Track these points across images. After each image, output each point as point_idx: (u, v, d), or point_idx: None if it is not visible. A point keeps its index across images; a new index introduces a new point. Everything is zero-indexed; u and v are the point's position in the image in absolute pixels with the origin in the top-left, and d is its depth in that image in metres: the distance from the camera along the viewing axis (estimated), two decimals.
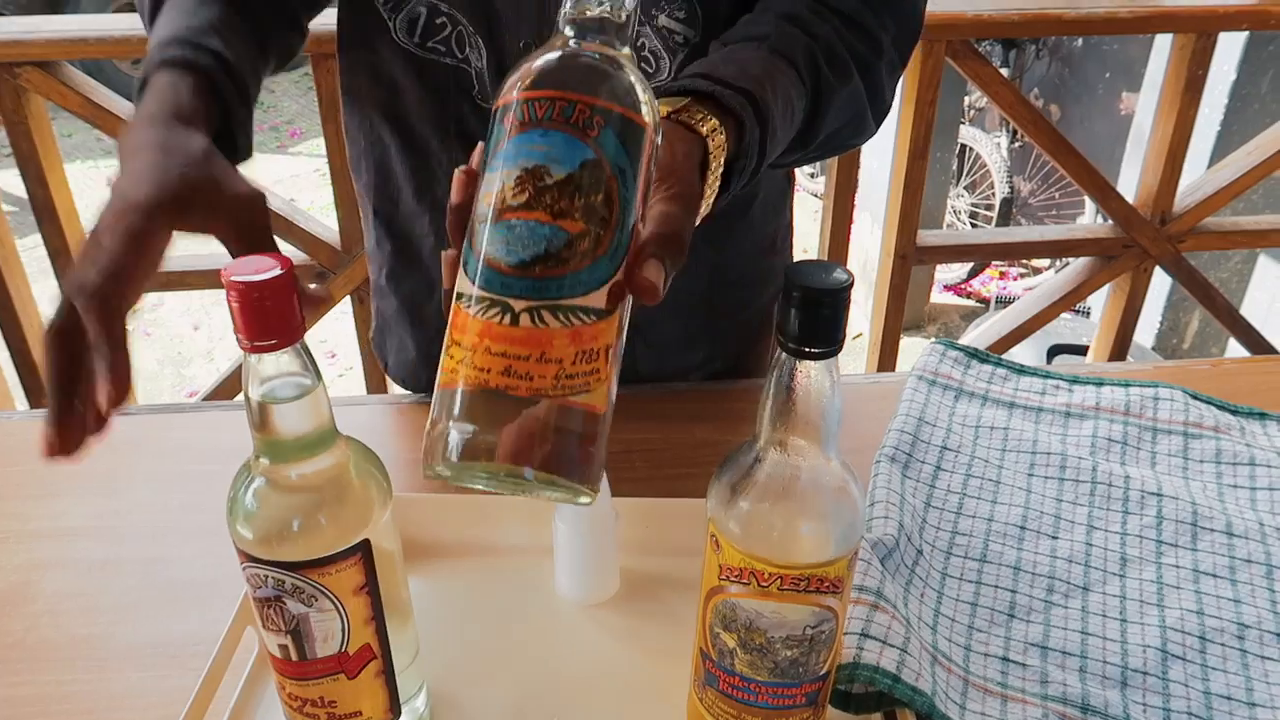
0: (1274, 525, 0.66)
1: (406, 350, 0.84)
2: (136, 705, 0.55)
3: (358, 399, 0.83)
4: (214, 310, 3.38)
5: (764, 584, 0.42)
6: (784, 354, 0.40)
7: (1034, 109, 1.56)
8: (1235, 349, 1.98)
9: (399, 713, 0.49)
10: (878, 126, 0.66)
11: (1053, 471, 0.71)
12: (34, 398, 1.60)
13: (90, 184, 4.43)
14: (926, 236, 1.62)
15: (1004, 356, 0.84)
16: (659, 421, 0.79)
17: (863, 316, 2.77)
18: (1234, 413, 0.78)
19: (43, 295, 1.62)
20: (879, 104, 0.64)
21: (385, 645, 0.47)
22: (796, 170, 0.86)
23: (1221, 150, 2.19)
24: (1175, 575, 0.63)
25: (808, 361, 0.39)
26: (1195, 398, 0.78)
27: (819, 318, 0.38)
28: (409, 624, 0.51)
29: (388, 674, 0.48)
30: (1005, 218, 3.50)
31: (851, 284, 0.38)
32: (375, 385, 1.64)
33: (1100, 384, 0.81)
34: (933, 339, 0.86)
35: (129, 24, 1.37)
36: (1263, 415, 0.77)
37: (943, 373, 0.81)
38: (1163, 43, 2.38)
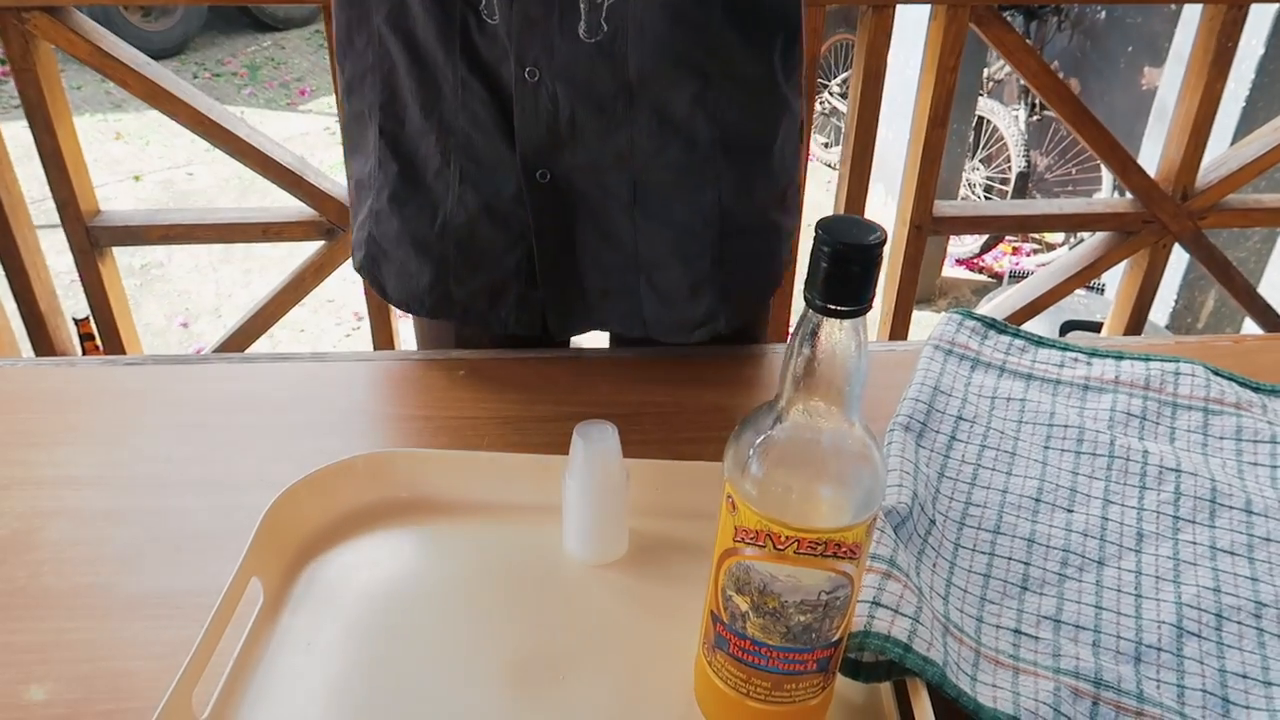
0: None
1: (409, 275, 0.80)
2: (139, 654, 0.54)
3: (365, 355, 0.82)
4: (221, 266, 3.37)
5: (780, 547, 0.41)
6: (810, 311, 0.39)
7: (1056, 78, 1.53)
8: (1250, 329, 1.96)
9: None
10: None
11: (1069, 444, 0.70)
12: (39, 347, 1.59)
13: (99, 137, 4.41)
14: (943, 207, 1.60)
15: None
16: (670, 384, 0.78)
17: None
18: (1256, 389, 0.76)
19: (50, 247, 1.61)
20: None
21: None
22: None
23: (1246, 126, 2.16)
24: (1192, 552, 0.62)
25: (834, 320, 0.38)
26: (1216, 374, 0.77)
27: (849, 274, 0.37)
28: None
29: None
30: (1021, 192, 3.47)
31: (884, 241, 0.37)
32: (383, 342, 1.63)
33: (1120, 358, 0.79)
34: (948, 310, 0.84)
35: None
36: None
37: (959, 342, 0.80)
38: (1190, 15, 2.34)
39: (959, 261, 3.60)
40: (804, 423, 0.41)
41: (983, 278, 3.58)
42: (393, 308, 1.61)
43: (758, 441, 0.42)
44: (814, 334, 0.39)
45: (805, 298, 0.39)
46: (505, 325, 0.80)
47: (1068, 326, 2.28)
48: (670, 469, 0.63)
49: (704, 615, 0.48)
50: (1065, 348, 0.81)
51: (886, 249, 1.71)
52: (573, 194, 0.75)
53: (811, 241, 0.38)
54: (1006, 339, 0.82)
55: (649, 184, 0.74)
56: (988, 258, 3.62)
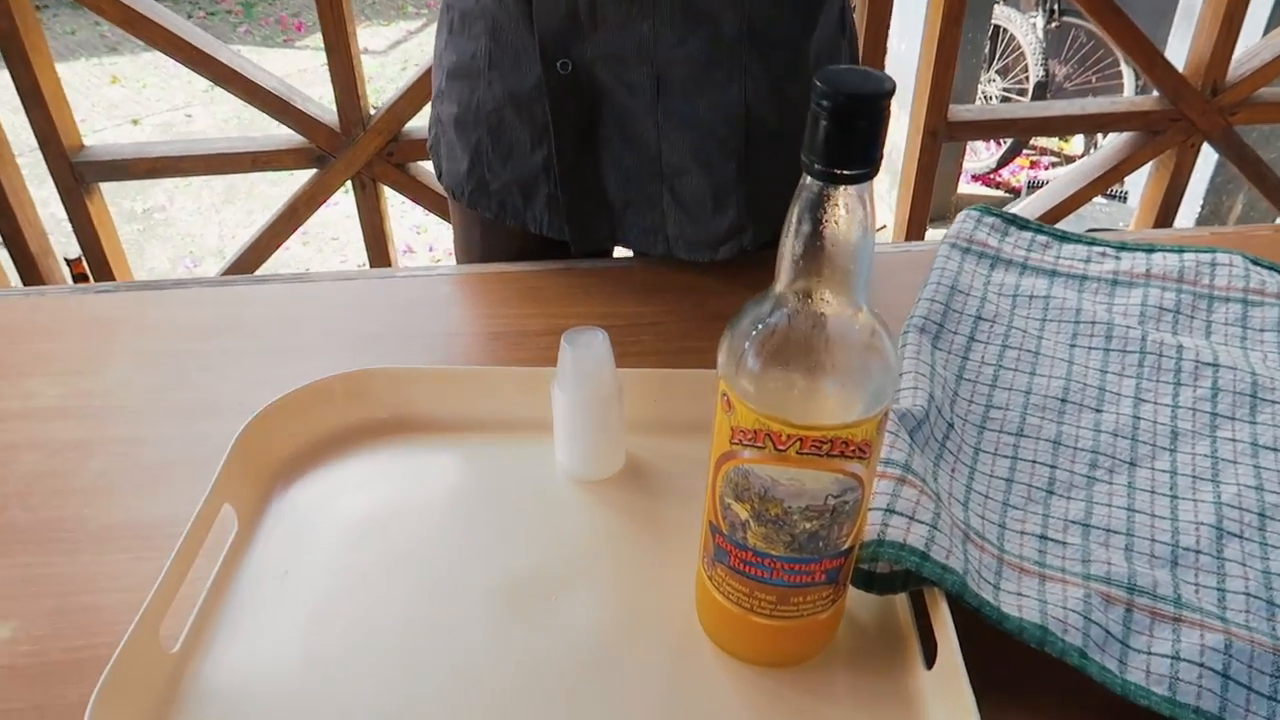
0: None
1: (455, 158, 0.79)
2: (110, 588, 0.51)
3: (348, 273, 0.78)
4: (224, 208, 3.32)
5: (781, 447, 0.37)
6: (809, 178, 0.34)
7: None
8: None
9: None
10: None
11: (1097, 342, 0.65)
12: (26, 276, 1.56)
13: (95, 82, 4.33)
14: (959, 111, 1.52)
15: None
16: (668, 293, 0.73)
17: (886, 207, 2.67)
18: None
19: (50, 196, 1.57)
20: None
21: None
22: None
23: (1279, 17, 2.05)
24: (1232, 449, 0.57)
25: (838, 187, 0.33)
26: (1256, 263, 0.72)
27: (854, 131, 0.32)
28: None
29: None
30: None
31: (892, 90, 0.32)
32: None
33: (1151, 250, 0.74)
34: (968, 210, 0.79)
35: None
36: None
37: (978, 239, 0.75)
38: None
39: (975, 178, 3.51)
40: (804, 309, 0.37)
41: (1000, 193, 3.48)
42: (396, 254, 1.56)
43: (754, 333, 0.38)
44: (814, 206, 0.34)
45: (803, 163, 0.34)
46: (540, 225, 0.77)
47: None
48: (667, 378, 0.59)
49: (703, 527, 0.44)
50: (1092, 242, 0.76)
51: (899, 166, 1.64)
52: (593, 88, 0.70)
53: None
54: (1028, 235, 0.76)
55: (671, 78, 0.69)
56: (1004, 173, 3.51)
